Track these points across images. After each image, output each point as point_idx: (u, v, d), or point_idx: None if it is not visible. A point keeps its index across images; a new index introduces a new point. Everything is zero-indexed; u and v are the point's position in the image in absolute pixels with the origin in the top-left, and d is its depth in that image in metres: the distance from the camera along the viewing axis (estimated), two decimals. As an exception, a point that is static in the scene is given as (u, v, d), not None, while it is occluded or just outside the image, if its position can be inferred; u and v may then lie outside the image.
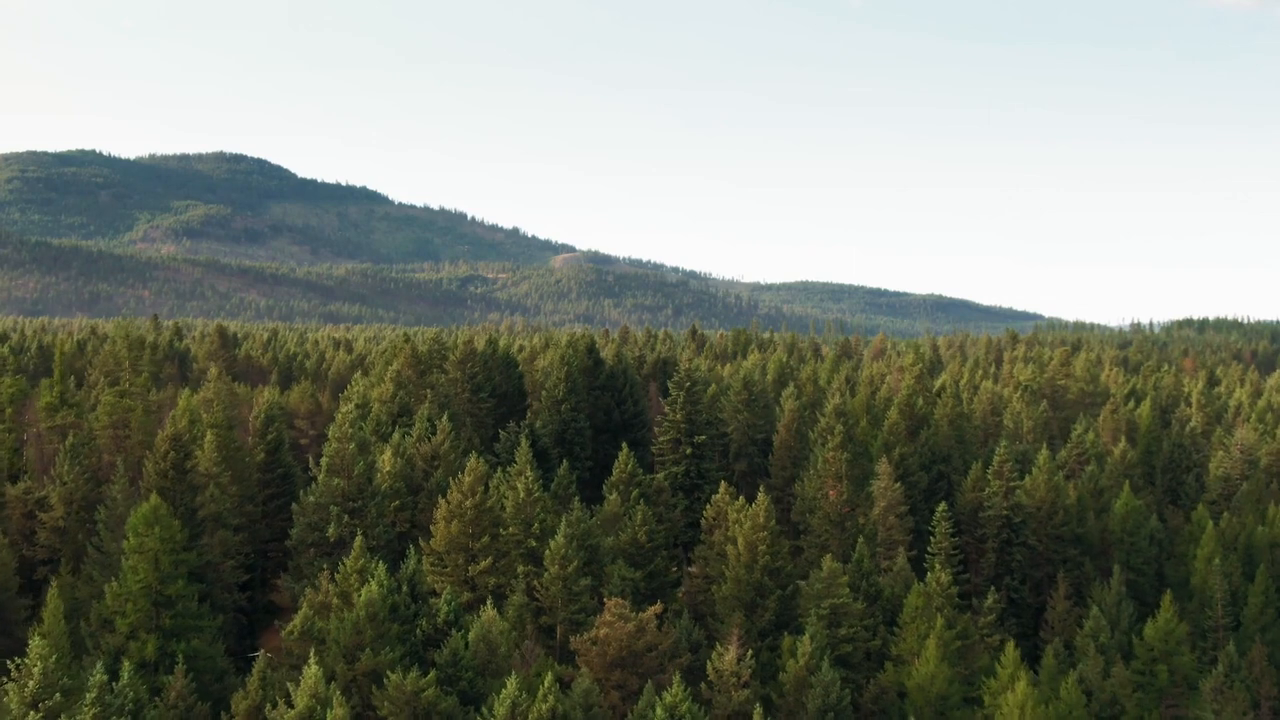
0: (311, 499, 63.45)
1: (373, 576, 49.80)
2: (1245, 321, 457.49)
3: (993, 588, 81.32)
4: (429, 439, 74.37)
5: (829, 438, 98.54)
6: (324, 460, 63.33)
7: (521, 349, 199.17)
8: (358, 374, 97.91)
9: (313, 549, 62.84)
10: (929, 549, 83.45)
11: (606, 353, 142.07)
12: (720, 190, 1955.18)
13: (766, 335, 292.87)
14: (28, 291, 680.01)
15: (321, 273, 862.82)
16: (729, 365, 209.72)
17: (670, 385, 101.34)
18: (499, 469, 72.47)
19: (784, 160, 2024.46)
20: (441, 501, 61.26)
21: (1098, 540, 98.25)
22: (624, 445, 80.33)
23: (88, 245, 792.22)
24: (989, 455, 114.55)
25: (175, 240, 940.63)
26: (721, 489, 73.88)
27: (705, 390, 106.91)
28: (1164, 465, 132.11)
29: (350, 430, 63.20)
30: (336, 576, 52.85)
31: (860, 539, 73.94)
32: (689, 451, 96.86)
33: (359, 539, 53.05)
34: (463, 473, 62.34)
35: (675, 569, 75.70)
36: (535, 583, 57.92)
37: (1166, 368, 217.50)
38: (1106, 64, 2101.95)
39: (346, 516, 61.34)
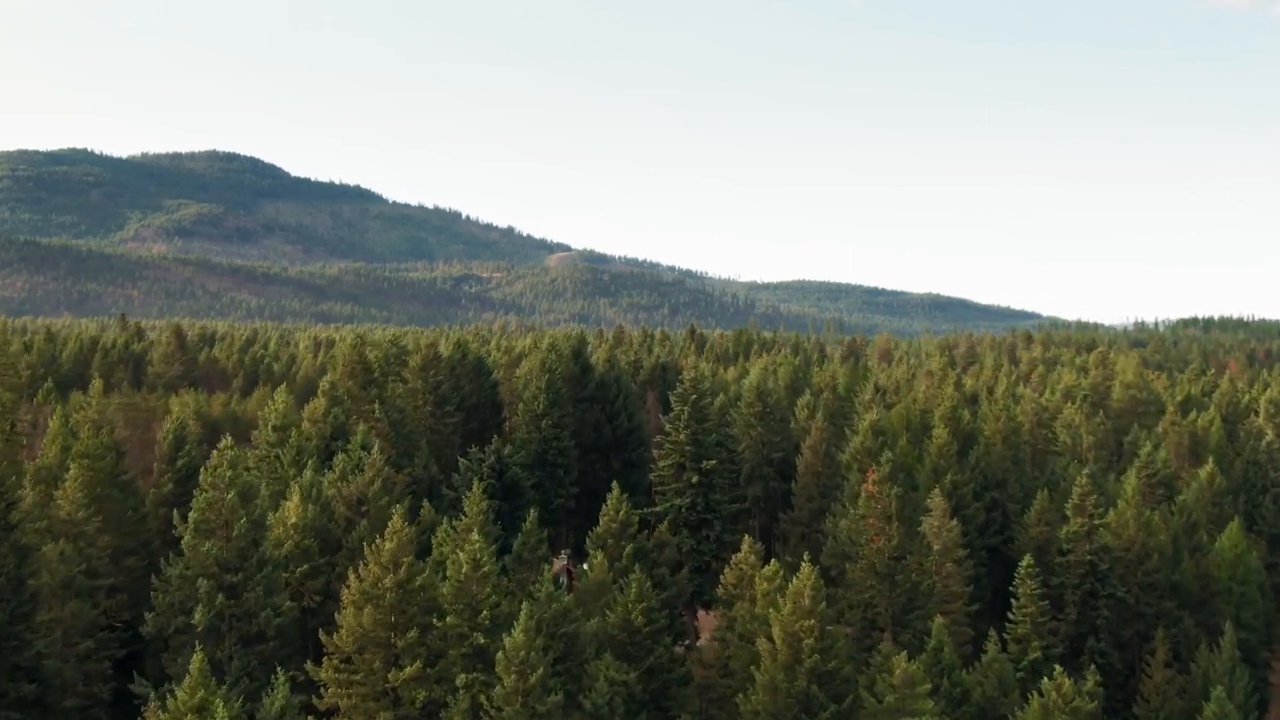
0: (174, 570, 45.63)
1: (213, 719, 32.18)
2: (1250, 320, 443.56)
3: (1093, 667, 63.14)
4: (355, 475, 56.50)
5: (868, 462, 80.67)
6: (192, 516, 45.48)
7: (509, 351, 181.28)
8: (282, 387, 80.00)
9: (178, 636, 45.12)
10: (1010, 616, 65.65)
11: (598, 356, 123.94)
12: (717, 189, 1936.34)
13: (769, 335, 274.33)
14: (15, 291, 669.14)
15: (314, 272, 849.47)
16: (732, 368, 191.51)
17: (673, 398, 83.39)
18: (446, 519, 54.53)
19: (781, 159, 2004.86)
20: (351, 578, 43.30)
21: (1196, 589, 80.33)
22: (614, 484, 62.19)
23: (77, 244, 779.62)
24: (1050, 479, 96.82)
25: (167, 239, 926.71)
26: (745, 546, 55.82)
27: (713, 403, 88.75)
28: (1235, 486, 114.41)
29: (229, 473, 45.33)
30: (164, 714, 35.02)
31: (939, 621, 55.81)
32: (695, 480, 78.93)
33: (198, 656, 35.10)
34: (381, 535, 44.18)
35: (680, 646, 58.00)
36: (483, 697, 40.15)
37: (1210, 371, 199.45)
38: (1105, 64, 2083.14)
39: (221, 595, 43.63)
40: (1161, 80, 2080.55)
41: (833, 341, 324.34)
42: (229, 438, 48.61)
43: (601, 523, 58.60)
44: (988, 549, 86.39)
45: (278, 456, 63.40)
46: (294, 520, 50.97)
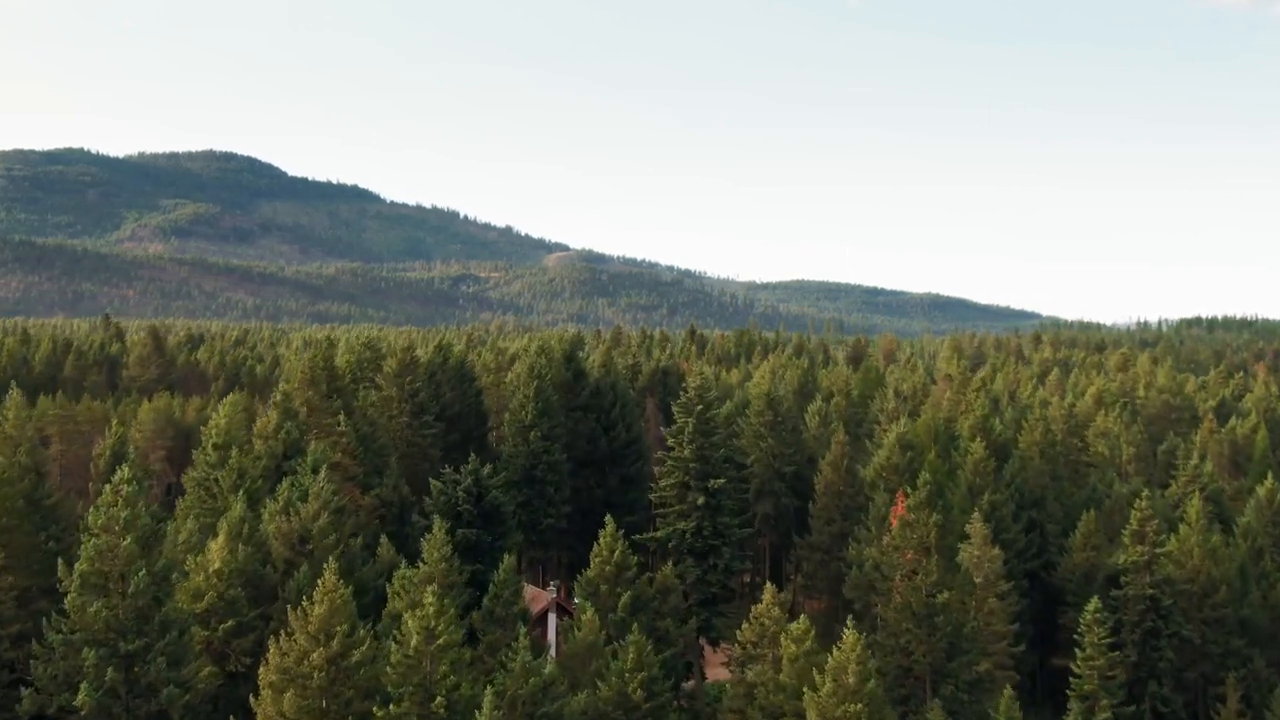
0: (57, 636, 36.60)
1: None
2: (1255, 320, 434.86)
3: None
4: (299, 506, 47.10)
5: (895, 480, 71.78)
6: (78, 567, 36.32)
7: (501, 353, 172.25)
8: (230, 398, 70.38)
9: (66, 717, 36.07)
10: (1074, 668, 56.63)
11: (594, 359, 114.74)
12: (715, 189, 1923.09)
13: (771, 336, 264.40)
14: (9, 291, 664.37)
15: (311, 272, 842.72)
16: (734, 370, 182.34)
17: (675, 409, 74.28)
18: (404, 564, 45.18)
19: (780, 159, 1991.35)
20: (272, 650, 34.15)
21: (1266, 624, 71.29)
22: (608, 519, 52.79)
23: (72, 244, 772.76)
24: (1092, 496, 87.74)
25: (163, 239, 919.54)
26: (767, 595, 46.32)
27: (720, 412, 79.60)
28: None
29: (125, 511, 36.24)
30: None
31: (1008, 694, 46.66)
32: (701, 501, 69.81)
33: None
34: (309, 597, 34.92)
35: (685, 706, 48.95)
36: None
37: (1239, 374, 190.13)
38: (1104, 64, 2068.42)
39: (112, 668, 34.70)
40: (1161, 80, 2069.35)
41: (833, 342, 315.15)
42: (125, 468, 39.54)
43: (593, 565, 49.35)
44: (1027, 575, 77.45)
45: (216, 481, 54.30)
46: (217, 565, 41.95)
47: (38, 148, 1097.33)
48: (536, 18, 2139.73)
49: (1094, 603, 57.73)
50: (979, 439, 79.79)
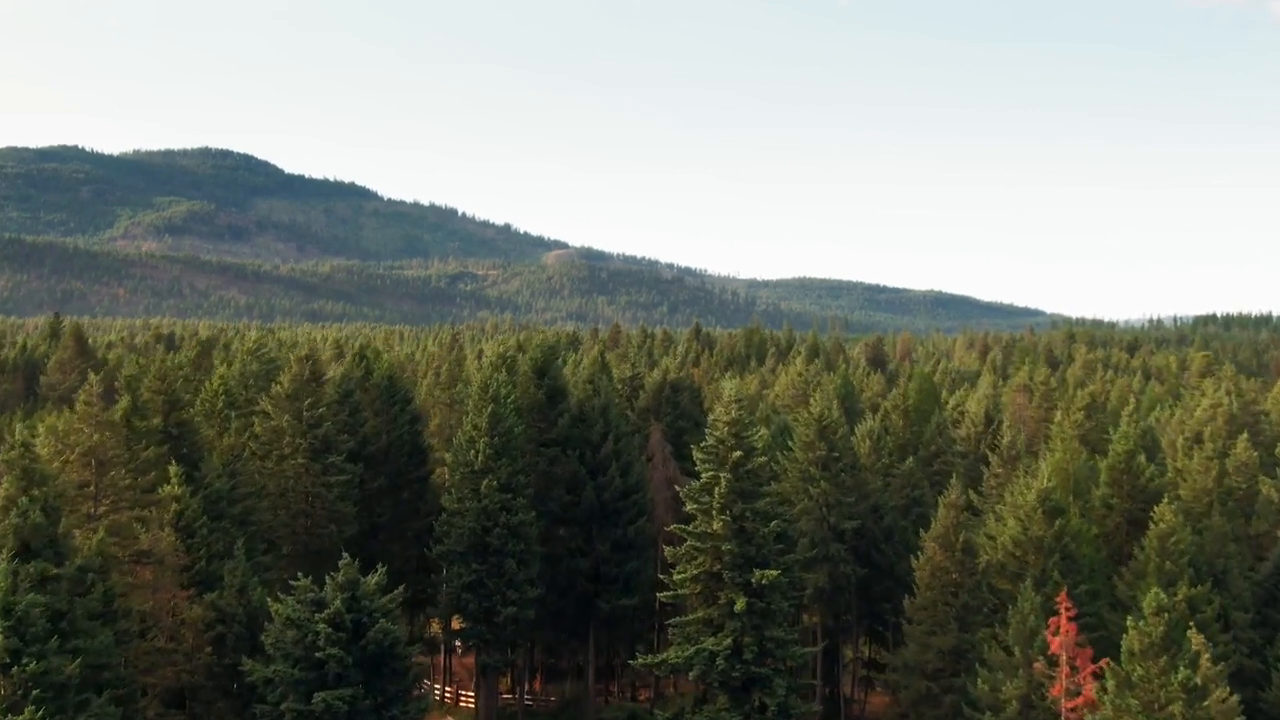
0: None
1: None
2: (1271, 318, 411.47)
3: None
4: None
5: (1039, 565, 45.66)
6: None
7: (485, 353, 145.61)
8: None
9: None
10: None
11: (583, 366, 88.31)
12: (716, 187, 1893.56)
13: (781, 335, 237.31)
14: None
15: (306, 270, 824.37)
16: (749, 374, 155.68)
17: (699, 456, 47.78)
18: None
19: (781, 157, 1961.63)
20: None
21: None
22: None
23: (64, 242, 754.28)
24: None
25: (157, 237, 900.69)
26: None
27: (762, 456, 52.13)
28: None
29: None
30: None
31: None
32: (741, 605, 43.64)
33: None
34: None
35: None
36: None
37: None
38: (1102, 63, 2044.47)
39: None
40: (1157, 79, 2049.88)
41: (845, 340, 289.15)
42: None
43: None
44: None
45: None
46: None
47: (31, 145, 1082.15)
48: (536, 16, 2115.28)
49: None
50: (1166, 500, 53.14)
